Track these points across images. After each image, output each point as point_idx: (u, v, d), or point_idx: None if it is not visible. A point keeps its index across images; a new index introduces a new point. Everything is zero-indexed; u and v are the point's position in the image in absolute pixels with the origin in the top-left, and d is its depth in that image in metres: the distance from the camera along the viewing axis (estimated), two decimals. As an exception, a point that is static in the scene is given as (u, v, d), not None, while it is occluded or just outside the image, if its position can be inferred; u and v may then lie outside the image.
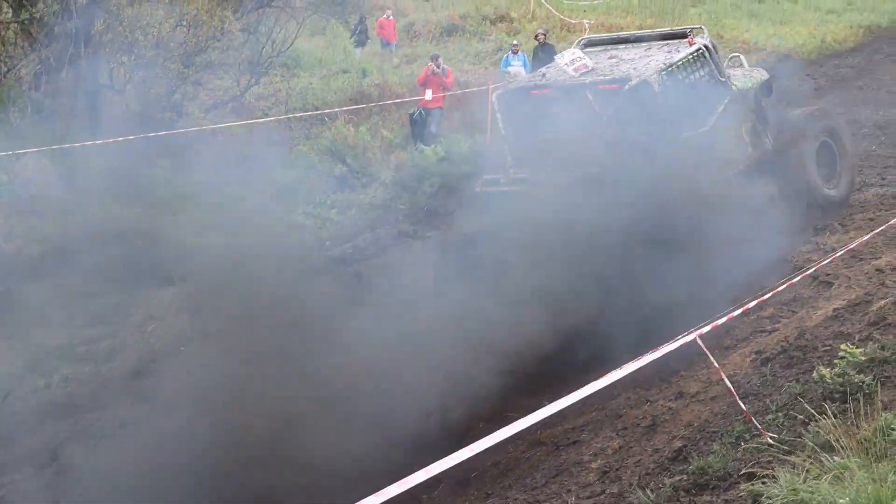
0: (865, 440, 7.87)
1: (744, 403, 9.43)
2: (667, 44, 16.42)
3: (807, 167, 16.58)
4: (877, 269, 13.10)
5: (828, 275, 13.48)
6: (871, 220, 16.38)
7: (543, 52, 30.30)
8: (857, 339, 10.32)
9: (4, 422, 13.86)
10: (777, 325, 12.52)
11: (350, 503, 6.77)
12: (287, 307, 14.92)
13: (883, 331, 10.35)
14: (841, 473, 7.52)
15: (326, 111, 25.23)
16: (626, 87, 14.51)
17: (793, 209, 15.29)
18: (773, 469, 8.03)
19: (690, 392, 11.30)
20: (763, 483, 7.84)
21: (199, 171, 21.53)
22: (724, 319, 10.17)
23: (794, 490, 7.44)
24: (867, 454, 7.73)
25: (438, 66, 24.88)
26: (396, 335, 13.50)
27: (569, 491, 10.10)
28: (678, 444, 9.81)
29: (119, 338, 16.42)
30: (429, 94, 24.38)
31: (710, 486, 8.48)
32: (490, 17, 41.33)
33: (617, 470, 9.99)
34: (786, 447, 8.42)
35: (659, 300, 12.62)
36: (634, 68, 15.10)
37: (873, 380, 9.01)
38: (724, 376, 9.61)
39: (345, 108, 24.75)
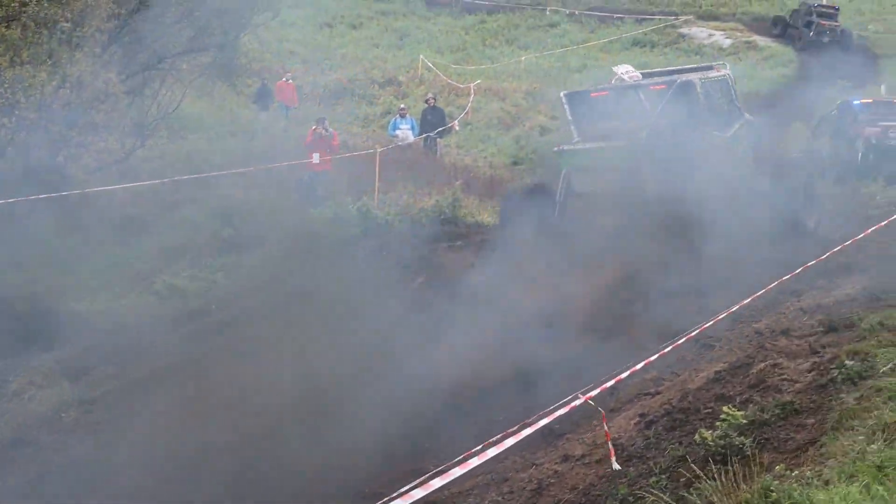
0: (746, 502, 7.95)
1: (628, 466, 9.48)
2: (698, 70, 20.22)
3: (796, 199, 18.64)
4: (756, 332, 13.32)
5: (710, 337, 13.69)
6: (752, 283, 16.68)
7: (433, 115, 30.58)
8: (737, 401, 10.45)
9: None
10: (661, 388, 12.65)
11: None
12: (169, 373, 14.72)
13: (762, 393, 10.51)
14: (723, 535, 7.57)
15: (213, 174, 25.00)
16: (676, 82, 18.15)
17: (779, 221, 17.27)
18: (657, 532, 8.06)
19: (576, 455, 11.33)
20: (647, 546, 7.86)
21: (82, 235, 21.19)
22: (611, 382, 10.24)
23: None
24: (748, 515, 7.80)
25: (325, 129, 24.87)
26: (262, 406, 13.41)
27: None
28: (564, 507, 9.81)
29: (-3, 405, 15.96)
30: (316, 158, 24.34)
31: (596, 550, 8.48)
32: (378, 80, 41.57)
33: (504, 535, 9.95)
34: (669, 510, 8.46)
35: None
36: (678, 77, 18.80)
37: (753, 442, 9.14)
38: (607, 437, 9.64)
39: (232, 171, 24.55)
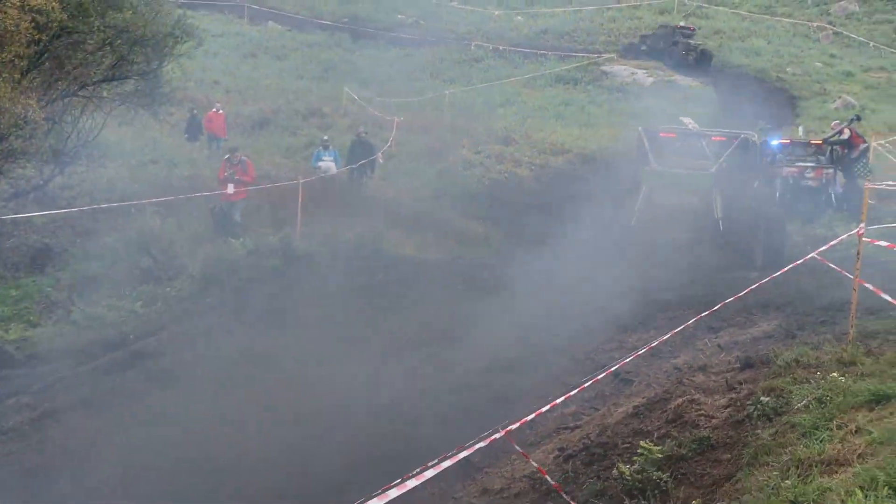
0: (663, 536, 8.01)
1: (547, 500, 9.50)
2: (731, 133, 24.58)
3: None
4: (675, 367, 13.44)
5: (629, 372, 13.79)
6: (672, 318, 16.87)
7: (361, 148, 30.56)
8: (655, 436, 10.53)
9: None
10: (580, 423, 12.71)
11: None
12: (85, 405, 14.52)
13: (680, 428, 10.60)
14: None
15: (133, 202, 24.75)
16: (740, 136, 23.51)
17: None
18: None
19: (495, 488, 11.34)
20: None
21: (-2, 262, 20.89)
22: (532, 416, 10.25)
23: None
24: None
25: (237, 160, 24.60)
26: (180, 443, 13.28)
27: None
28: (482, 541, 9.80)
29: None
30: (230, 188, 24.13)
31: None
32: (302, 112, 41.46)
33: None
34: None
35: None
36: (740, 133, 24.10)
37: (671, 476, 9.21)
38: (535, 465, 9.66)
39: (152, 200, 24.33)
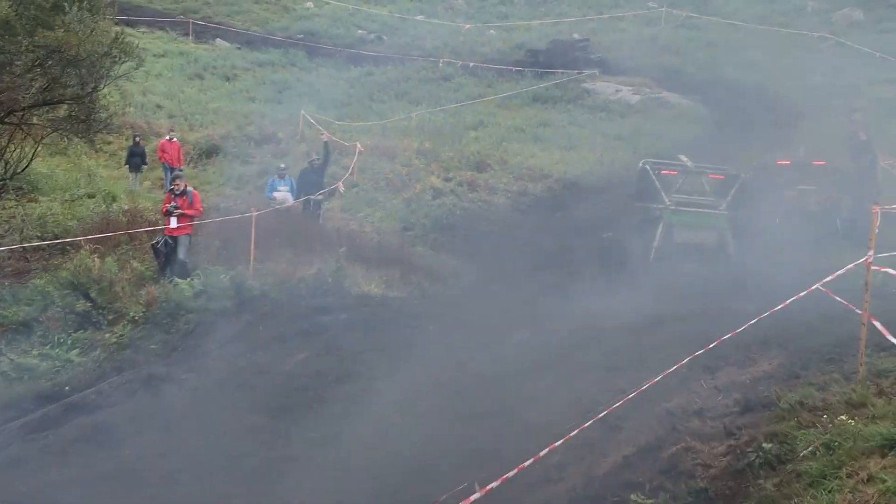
0: None
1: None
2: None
3: None
4: (668, 412, 13.42)
5: (617, 418, 13.77)
6: (663, 358, 16.85)
7: (316, 175, 30.55)
8: (647, 488, 10.52)
9: None
10: (564, 474, 12.67)
11: None
12: (13, 464, 14.41)
13: (674, 479, 10.60)
14: None
15: (68, 240, 24.65)
16: (741, 177, 26.00)
17: None
18: None
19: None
20: None
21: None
22: (514, 472, 10.24)
23: None
24: None
25: (180, 190, 24.37)
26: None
27: None
28: None
29: None
30: (173, 222, 23.99)
31: None
32: (255, 137, 41.48)
33: None
34: None
35: None
36: (732, 170, 26.73)
37: (665, 533, 9.19)
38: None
39: (89, 237, 24.22)
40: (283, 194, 30.25)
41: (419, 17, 65.07)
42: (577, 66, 54.16)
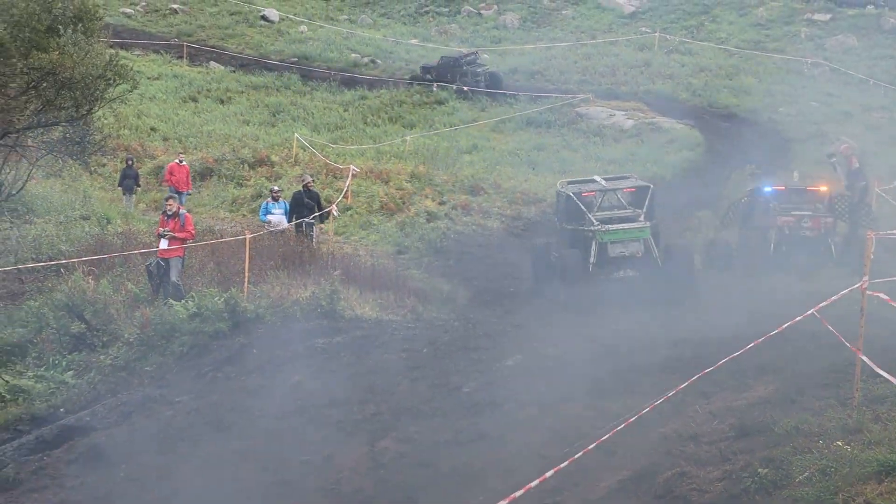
0: None
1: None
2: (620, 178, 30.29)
3: None
4: (663, 436, 13.43)
5: (612, 442, 13.77)
6: (655, 384, 16.89)
7: (308, 198, 30.61)
8: (644, 512, 10.54)
9: None
10: (559, 499, 12.69)
11: None
12: (8, 486, 14.39)
13: (670, 504, 10.63)
14: None
15: (62, 262, 24.65)
16: (651, 187, 28.11)
17: None
18: None
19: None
20: None
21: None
22: (506, 501, 10.27)
23: None
24: None
25: (172, 211, 24.32)
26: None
27: None
28: None
29: None
30: (164, 243, 23.95)
31: None
32: (248, 160, 41.54)
33: None
34: None
35: None
36: (641, 182, 29.01)
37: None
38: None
39: (84, 259, 24.22)
40: (278, 217, 30.28)
41: (413, 41, 65.23)
42: (466, 80, 55.91)
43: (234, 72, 58.93)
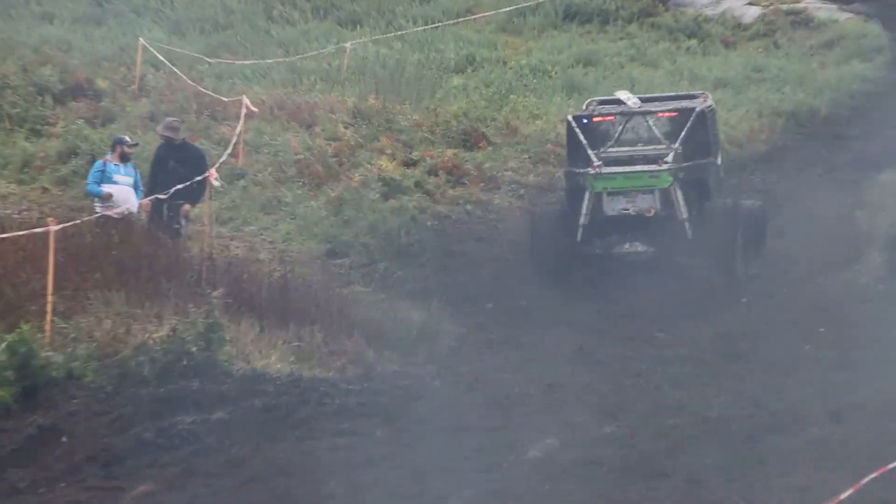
0: None
1: None
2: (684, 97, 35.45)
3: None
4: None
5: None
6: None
7: (178, 159, 30.17)
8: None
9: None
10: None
11: None
12: None
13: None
14: None
15: None
16: (695, 110, 32.19)
17: None
18: None
19: None
20: None
21: None
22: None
23: None
24: None
25: None
26: None
27: None
28: None
29: None
30: None
31: None
32: (55, 86, 41.40)
33: None
34: None
35: None
36: (692, 105, 33.24)
37: None
38: None
39: None
40: (122, 189, 29.80)
41: None
42: None
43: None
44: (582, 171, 29.91)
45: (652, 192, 28.93)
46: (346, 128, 39.15)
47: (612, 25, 51.05)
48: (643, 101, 32.95)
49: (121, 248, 27.00)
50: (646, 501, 16.86)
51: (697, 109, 31.09)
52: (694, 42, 49.18)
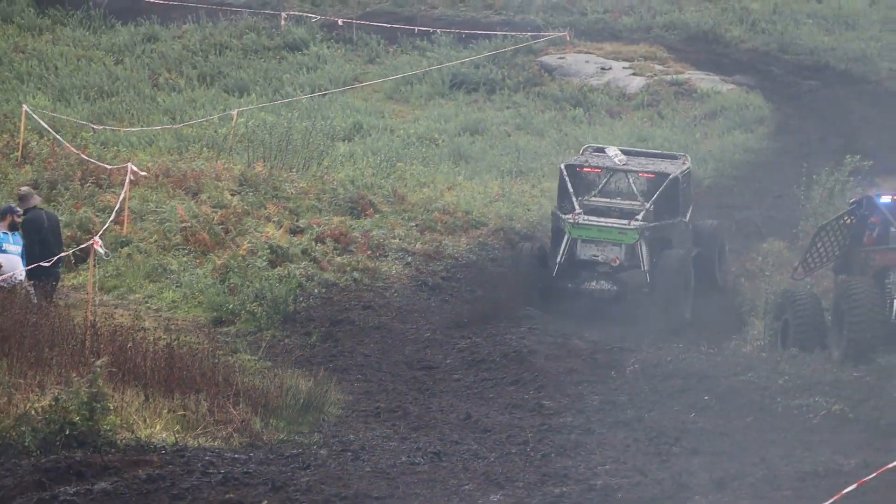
0: None
1: None
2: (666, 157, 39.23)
3: None
4: None
5: None
6: None
7: (33, 228, 29.86)
8: None
9: None
10: None
11: None
12: None
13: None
14: None
15: None
16: (668, 176, 35.60)
17: None
18: None
19: None
20: None
21: None
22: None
23: None
24: None
25: None
26: None
27: None
28: None
29: None
30: None
31: None
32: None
33: None
34: None
35: None
36: (667, 170, 36.65)
37: None
38: None
39: None
40: (11, 259, 29.53)
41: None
42: None
43: None
44: (564, 216, 33.38)
45: (619, 245, 32.37)
46: (232, 195, 38.97)
47: (498, 94, 51.26)
48: (629, 154, 36.38)
49: (3, 317, 26.71)
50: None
51: (671, 176, 34.58)
52: (580, 111, 49.31)
